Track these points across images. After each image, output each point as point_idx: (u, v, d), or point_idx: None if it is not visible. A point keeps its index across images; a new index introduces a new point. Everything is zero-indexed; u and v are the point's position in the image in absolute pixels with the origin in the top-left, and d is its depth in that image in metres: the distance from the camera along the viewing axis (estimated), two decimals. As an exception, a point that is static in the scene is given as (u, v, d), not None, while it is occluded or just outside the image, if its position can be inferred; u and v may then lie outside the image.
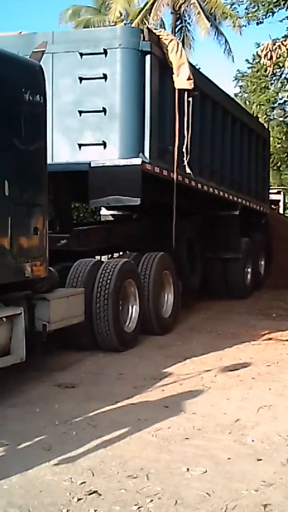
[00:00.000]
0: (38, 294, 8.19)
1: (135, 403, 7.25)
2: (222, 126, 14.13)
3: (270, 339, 10.83)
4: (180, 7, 31.10)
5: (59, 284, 8.98)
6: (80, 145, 10.22)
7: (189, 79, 10.98)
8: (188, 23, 32.58)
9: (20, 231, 7.59)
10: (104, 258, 11.68)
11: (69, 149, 10.23)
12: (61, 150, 10.12)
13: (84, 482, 5.15)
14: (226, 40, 32.19)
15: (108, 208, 15.88)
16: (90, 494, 4.95)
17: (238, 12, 23.53)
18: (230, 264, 15.39)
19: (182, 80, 10.91)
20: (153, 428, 6.39)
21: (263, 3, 19.21)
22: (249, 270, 16.18)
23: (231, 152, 14.86)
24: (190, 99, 11.19)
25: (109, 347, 9.69)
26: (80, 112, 10.19)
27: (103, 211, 16.33)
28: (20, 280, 7.75)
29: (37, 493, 5.00)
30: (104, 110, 10.09)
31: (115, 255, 12.11)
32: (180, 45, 11.23)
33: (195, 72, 11.59)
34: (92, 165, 9.96)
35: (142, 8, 31.44)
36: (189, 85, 11.02)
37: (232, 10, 25.19)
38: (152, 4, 30.52)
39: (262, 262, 17.97)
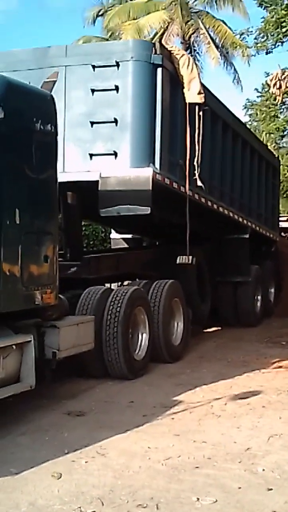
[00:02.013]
0: (48, 321, 8.20)
1: (145, 432, 7.22)
2: (232, 149, 14.19)
3: (280, 367, 10.78)
4: (190, 37, 31.35)
5: (69, 312, 9.01)
6: (91, 155, 10.30)
7: (199, 93, 11.08)
8: (198, 53, 32.83)
9: (30, 258, 7.62)
10: (114, 285, 11.67)
11: (81, 159, 10.31)
12: (72, 160, 10.19)
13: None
14: (235, 70, 32.43)
15: (118, 232, 15.97)
16: (99, 524, 4.93)
17: (247, 42, 23.68)
18: (240, 291, 15.37)
19: (193, 94, 11.00)
20: (163, 457, 6.37)
21: (272, 33, 19.33)
22: (259, 297, 16.16)
23: (241, 175, 14.91)
24: (201, 113, 11.28)
25: (119, 375, 9.67)
26: (92, 123, 10.29)
27: (113, 235, 16.42)
28: (30, 307, 7.77)
29: (47, 522, 4.98)
30: (115, 121, 10.18)
31: (125, 282, 12.11)
32: (192, 60, 11.33)
33: (207, 92, 11.69)
34: (102, 175, 10.03)
35: (152, 38, 31.71)
36: (199, 99, 11.11)
37: (241, 40, 25.34)
38: (162, 34, 30.78)
39: (272, 290, 17.94)
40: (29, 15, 68.61)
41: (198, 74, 11.33)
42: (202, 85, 11.34)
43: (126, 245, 15.89)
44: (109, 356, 9.57)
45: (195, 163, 11.26)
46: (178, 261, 13.09)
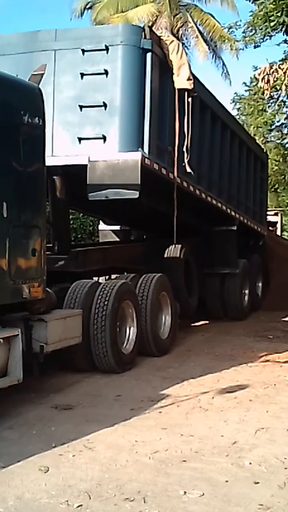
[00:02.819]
0: (35, 315, 8.20)
1: (132, 425, 7.22)
2: (221, 139, 14.17)
3: (267, 361, 10.81)
4: (178, 30, 31.25)
5: (56, 306, 8.99)
6: (80, 139, 10.26)
7: (189, 79, 11.07)
8: (186, 47, 32.75)
9: (18, 252, 7.61)
10: (102, 279, 11.67)
11: (69, 143, 10.28)
12: (61, 144, 10.18)
13: (81, 505, 5.13)
14: (223, 64, 32.39)
15: (106, 223, 15.95)
16: (86, 517, 4.93)
17: (235, 35, 23.65)
18: (227, 285, 15.39)
19: (182, 80, 10.99)
20: (150, 451, 6.37)
21: (260, 27, 19.28)
22: (247, 291, 16.18)
23: (229, 166, 14.89)
24: (190, 99, 11.27)
25: (107, 368, 9.67)
26: (81, 107, 10.25)
27: (102, 226, 16.40)
28: (18, 301, 7.77)
29: (34, 516, 4.98)
30: (104, 105, 10.15)
31: (113, 276, 12.11)
32: (181, 46, 11.32)
33: (196, 81, 11.68)
34: (91, 159, 10.00)
35: (140, 31, 31.59)
36: (189, 85, 11.10)
37: (229, 34, 25.31)
38: (150, 27, 30.72)
39: (260, 284, 17.97)
40: (14, 8, 68.28)
41: (188, 60, 11.33)
42: (191, 72, 11.34)
43: (114, 237, 15.88)
44: (97, 349, 9.57)
45: (184, 149, 11.26)
46: (166, 255, 13.14)
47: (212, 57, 31.96)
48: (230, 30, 23.46)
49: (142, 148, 10.11)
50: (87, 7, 31.23)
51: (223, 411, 7.81)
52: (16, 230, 7.57)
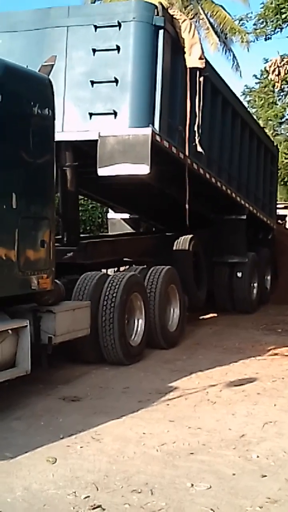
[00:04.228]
0: (44, 306, 8.21)
1: (140, 417, 7.23)
2: (231, 126, 14.09)
3: (275, 354, 10.79)
4: (189, 22, 31.19)
5: (65, 297, 8.99)
6: (90, 115, 10.25)
7: (200, 58, 11.04)
8: (197, 38, 32.67)
9: (27, 243, 7.62)
10: (110, 271, 11.67)
11: (80, 119, 10.27)
12: (71, 120, 10.17)
13: (88, 497, 5.14)
14: (234, 56, 32.31)
15: (116, 211, 15.95)
16: (94, 509, 4.94)
17: (246, 27, 23.64)
18: (236, 278, 15.35)
19: (194, 58, 10.96)
20: (157, 443, 6.38)
21: (271, 19, 19.26)
22: (255, 284, 16.13)
23: (239, 155, 14.81)
24: (202, 79, 11.25)
25: (115, 360, 9.68)
26: (92, 82, 10.24)
27: (111, 214, 16.40)
28: (27, 292, 7.77)
29: (41, 507, 4.99)
30: (116, 81, 10.13)
31: (122, 268, 12.11)
32: (193, 25, 11.28)
33: (208, 65, 11.66)
34: (101, 134, 9.97)
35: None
36: (200, 64, 11.07)
37: (240, 26, 25.28)
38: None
39: (269, 277, 17.91)
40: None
41: (200, 39, 11.29)
42: (203, 51, 11.32)
43: (123, 226, 15.87)
44: (105, 341, 9.57)
45: (195, 129, 11.24)
46: (175, 247, 13.13)
47: (223, 49, 31.92)
48: (241, 22, 23.50)
49: (153, 125, 10.07)
50: (98, -2, 31.17)
51: (231, 404, 7.80)
52: (25, 221, 7.57)
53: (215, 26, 30.76)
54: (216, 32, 30.69)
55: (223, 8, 30.41)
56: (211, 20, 30.63)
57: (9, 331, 7.37)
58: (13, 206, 7.31)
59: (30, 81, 7.94)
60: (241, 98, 34.86)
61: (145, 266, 11.41)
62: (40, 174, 7.94)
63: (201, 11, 30.30)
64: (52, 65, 8.46)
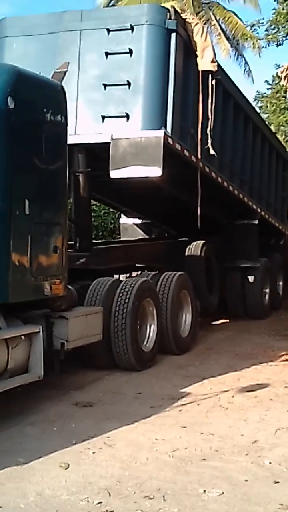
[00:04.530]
0: (56, 312, 8.23)
1: (152, 423, 7.24)
2: (244, 131, 14.10)
3: (288, 360, 10.78)
4: (200, 28, 31.21)
5: (77, 303, 9.02)
6: (103, 117, 10.32)
7: (213, 61, 11.08)
8: (208, 44, 32.67)
9: (39, 249, 7.65)
10: (122, 277, 11.68)
11: (93, 122, 10.34)
12: (84, 123, 10.24)
13: (101, 502, 5.15)
14: (246, 61, 32.32)
15: (128, 216, 15.98)
16: (106, 514, 4.95)
17: (258, 33, 23.64)
18: (248, 284, 15.32)
19: (206, 62, 10.99)
20: (170, 449, 6.38)
21: (283, 25, 19.29)
22: (267, 290, 16.08)
23: (251, 160, 14.80)
24: (214, 82, 11.27)
25: (127, 366, 9.69)
26: (105, 85, 10.32)
27: (123, 219, 16.42)
28: (39, 298, 7.80)
29: (54, 512, 5.01)
30: (128, 84, 10.20)
31: (134, 274, 12.12)
32: (205, 29, 11.34)
33: (220, 70, 11.70)
34: (114, 137, 10.01)
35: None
36: (213, 67, 11.10)
37: (252, 32, 25.27)
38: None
39: (281, 283, 17.86)
40: (36, 3, 68.24)
41: (212, 43, 11.32)
42: (215, 54, 11.35)
43: (135, 231, 15.90)
44: (117, 347, 9.58)
45: (207, 132, 11.27)
46: (187, 253, 13.14)
47: (235, 55, 31.93)
48: (253, 28, 23.49)
49: (165, 127, 10.11)
50: (110, 4, 31.25)
51: (243, 410, 7.79)
52: (38, 227, 7.60)
53: (227, 32, 30.79)
54: (227, 38, 30.71)
55: (235, 14, 30.45)
56: (223, 26, 30.66)
57: (22, 336, 7.40)
58: (26, 212, 7.34)
59: (43, 87, 7.98)
60: (253, 104, 34.93)
61: (157, 271, 11.42)
62: (53, 180, 7.97)
63: (212, 17, 30.33)
64: (65, 72, 8.51)
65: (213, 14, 30.45)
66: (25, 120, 7.42)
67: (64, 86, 8.23)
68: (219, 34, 30.40)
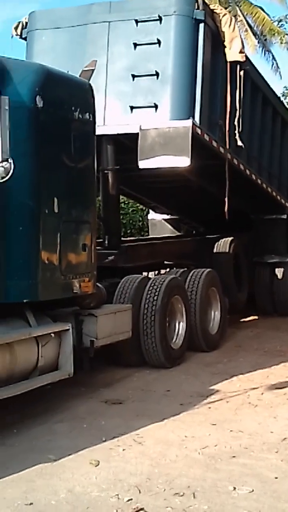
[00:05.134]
0: (85, 310, 8.26)
1: (182, 420, 7.24)
2: (272, 125, 14.03)
3: None
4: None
5: (106, 300, 9.04)
6: (132, 108, 10.37)
7: (241, 52, 11.05)
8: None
9: (68, 247, 7.68)
10: (151, 274, 11.70)
11: (121, 113, 10.39)
12: (112, 114, 10.31)
13: (131, 499, 5.17)
14: (273, 57, 32.15)
15: (156, 211, 15.99)
16: (137, 512, 4.97)
17: (285, 28, 23.54)
18: (277, 280, 15.23)
19: (234, 52, 10.98)
20: (199, 446, 6.39)
21: (311, 20, 19.19)
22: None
23: (280, 155, 14.73)
24: (242, 73, 11.25)
25: (156, 363, 9.70)
26: (133, 76, 10.37)
27: (151, 215, 16.43)
28: (68, 296, 7.83)
29: (84, 509, 5.03)
30: (156, 74, 10.24)
31: (162, 271, 12.13)
32: (234, 19, 11.32)
33: (248, 62, 11.68)
34: (142, 127, 10.02)
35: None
36: (241, 57, 11.07)
37: (279, 27, 25.18)
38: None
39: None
40: (64, 2, 68.49)
41: (240, 33, 11.30)
42: (243, 45, 11.31)
43: (164, 227, 15.91)
44: (146, 344, 9.60)
45: (235, 122, 11.26)
46: (215, 250, 13.12)
47: (262, 50, 31.77)
48: (280, 23, 23.38)
49: (193, 117, 10.12)
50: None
51: (272, 407, 7.77)
52: (66, 225, 7.63)
53: (254, 28, 30.66)
54: (254, 34, 30.57)
55: (262, 10, 30.30)
56: (250, 22, 30.53)
57: (52, 334, 7.44)
58: (55, 210, 7.38)
59: (71, 86, 8.00)
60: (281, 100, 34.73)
61: (185, 269, 11.41)
62: (81, 178, 8.00)
63: (239, 12, 30.19)
64: (93, 70, 8.54)
65: (240, 9, 30.32)
66: (54, 118, 7.45)
67: (92, 85, 8.25)
68: (246, 30, 30.26)
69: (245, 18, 30.45)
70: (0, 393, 6.58)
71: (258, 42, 31.21)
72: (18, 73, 7.10)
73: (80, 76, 8.38)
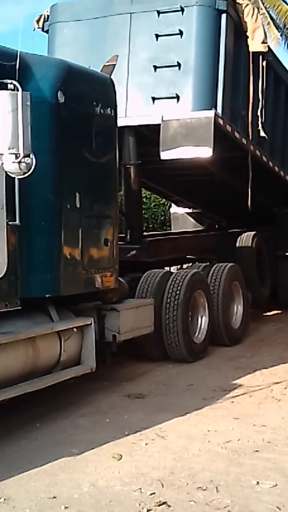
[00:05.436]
0: (108, 304, 8.28)
1: (205, 415, 7.24)
2: None
3: None
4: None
5: (128, 295, 9.05)
6: (153, 99, 10.36)
7: (263, 42, 11.00)
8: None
9: (91, 242, 7.69)
10: (173, 269, 11.69)
11: (143, 104, 10.39)
12: (134, 105, 10.31)
13: (154, 493, 5.17)
14: (296, 50, 31.93)
15: (178, 205, 15.96)
16: (159, 505, 4.97)
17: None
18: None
19: (256, 43, 10.93)
20: (222, 440, 6.38)
21: None
22: None
23: None
24: (264, 63, 11.20)
25: (179, 358, 9.70)
26: (155, 67, 10.36)
27: (173, 209, 16.39)
28: (91, 291, 7.85)
29: (107, 503, 5.04)
30: (178, 65, 10.23)
31: (185, 266, 12.11)
32: (256, 10, 11.26)
33: (271, 53, 11.62)
34: (164, 118, 10.02)
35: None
36: (263, 48, 11.02)
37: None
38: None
39: None
40: None
41: (262, 24, 11.24)
42: (266, 35, 11.25)
43: (186, 221, 15.88)
44: (169, 339, 9.60)
45: (258, 113, 11.21)
46: (238, 244, 13.07)
47: (284, 43, 31.55)
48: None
49: (216, 108, 10.09)
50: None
51: (296, 402, 7.75)
52: (88, 220, 7.65)
53: (276, 20, 30.45)
54: (277, 27, 30.36)
55: (285, 2, 30.07)
56: (272, 14, 30.32)
57: (74, 329, 7.46)
58: (77, 205, 7.39)
59: (92, 81, 8.01)
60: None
61: (208, 263, 11.40)
62: (103, 173, 8.00)
63: (261, 5, 29.95)
64: (114, 65, 8.57)
65: (262, 2, 30.09)
66: (75, 114, 7.46)
67: (113, 79, 8.25)
68: (268, 23, 30.00)
69: (267, 11, 30.23)
70: (23, 388, 6.62)
71: (281, 35, 31.00)
72: (39, 68, 7.12)
73: (101, 71, 8.41)
